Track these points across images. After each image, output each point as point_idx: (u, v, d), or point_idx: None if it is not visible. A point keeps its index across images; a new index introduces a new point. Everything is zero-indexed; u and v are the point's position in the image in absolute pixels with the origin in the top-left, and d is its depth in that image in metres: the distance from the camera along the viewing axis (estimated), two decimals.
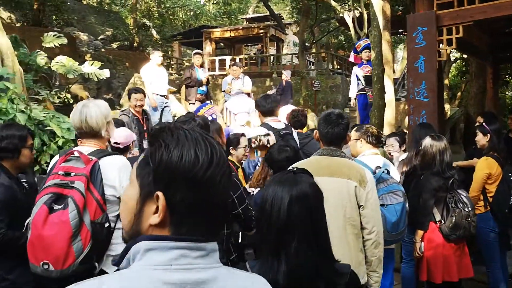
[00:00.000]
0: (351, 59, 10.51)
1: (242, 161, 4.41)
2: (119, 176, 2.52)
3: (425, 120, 5.25)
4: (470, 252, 4.08)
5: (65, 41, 10.59)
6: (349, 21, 12.58)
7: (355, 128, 4.05)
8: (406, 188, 4.43)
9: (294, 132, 4.62)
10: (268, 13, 23.47)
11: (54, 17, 15.79)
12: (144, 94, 6.63)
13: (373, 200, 2.78)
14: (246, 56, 22.48)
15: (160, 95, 8.47)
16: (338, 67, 21.81)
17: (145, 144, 6.07)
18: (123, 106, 10.41)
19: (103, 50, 18.29)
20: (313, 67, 21.68)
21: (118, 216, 2.59)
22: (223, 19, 30.00)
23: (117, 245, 2.56)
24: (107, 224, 2.42)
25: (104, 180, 2.47)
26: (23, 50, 9.75)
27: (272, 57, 21.28)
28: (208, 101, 7.45)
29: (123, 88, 14.02)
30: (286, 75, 12.60)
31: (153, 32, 20.32)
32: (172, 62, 21.47)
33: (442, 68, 8.79)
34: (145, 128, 6.42)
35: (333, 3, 13.83)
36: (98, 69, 10.57)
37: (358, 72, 9.17)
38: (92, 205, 2.38)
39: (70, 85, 10.14)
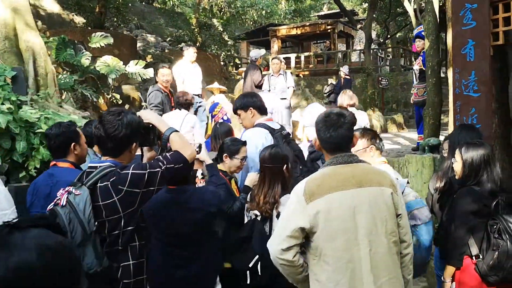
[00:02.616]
0: (414, 49, 9.25)
1: (234, 173, 3.65)
2: None
3: (475, 120, 4.16)
4: None
5: (110, 40, 10.47)
6: (410, 10, 11.21)
7: (360, 134, 3.15)
8: (441, 209, 3.58)
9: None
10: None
11: (115, 19, 15.96)
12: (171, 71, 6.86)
13: (405, 207, 2.34)
14: (312, 54, 21.50)
15: (194, 94, 7.91)
16: None
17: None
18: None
19: (166, 51, 18.32)
20: (383, 64, 20.28)
21: None
22: (295, 17, 29.15)
23: None
24: None
25: None
26: (70, 51, 9.76)
27: (339, 54, 20.14)
28: (217, 102, 6.84)
29: None
30: (343, 71, 11.67)
31: (220, 29, 20.02)
32: (237, 62, 21.08)
33: None
34: (172, 105, 6.60)
35: None
36: (143, 68, 10.36)
37: (414, 65, 7.99)
38: None
39: (112, 86, 9.96)
